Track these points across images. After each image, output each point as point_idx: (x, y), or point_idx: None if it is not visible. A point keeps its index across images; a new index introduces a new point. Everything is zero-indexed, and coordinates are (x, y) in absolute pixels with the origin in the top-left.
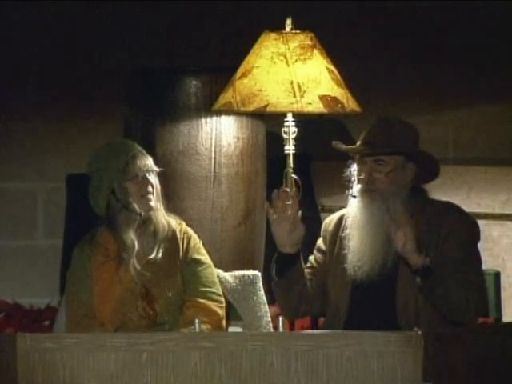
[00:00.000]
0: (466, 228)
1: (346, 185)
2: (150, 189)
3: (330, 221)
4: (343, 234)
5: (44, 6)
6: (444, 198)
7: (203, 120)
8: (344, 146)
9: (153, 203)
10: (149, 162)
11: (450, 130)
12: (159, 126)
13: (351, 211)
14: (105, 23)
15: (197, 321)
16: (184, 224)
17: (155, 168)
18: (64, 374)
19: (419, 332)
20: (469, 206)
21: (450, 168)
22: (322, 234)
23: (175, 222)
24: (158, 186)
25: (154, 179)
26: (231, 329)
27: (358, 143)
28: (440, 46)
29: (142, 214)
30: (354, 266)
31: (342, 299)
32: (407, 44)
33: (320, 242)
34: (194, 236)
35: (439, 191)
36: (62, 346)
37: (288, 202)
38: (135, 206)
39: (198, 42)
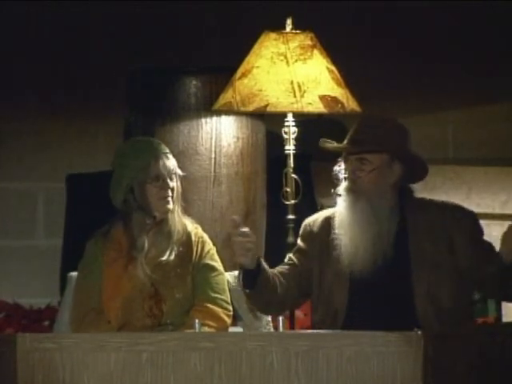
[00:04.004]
0: (472, 222)
1: (334, 183)
2: (169, 192)
3: (312, 222)
4: (333, 235)
5: (44, 5)
6: (444, 198)
7: (203, 120)
8: (330, 145)
9: (170, 206)
10: (172, 164)
11: (449, 130)
12: (159, 126)
13: (338, 210)
14: (105, 23)
15: (197, 321)
16: (200, 228)
17: (178, 171)
18: (64, 374)
19: (419, 332)
20: (469, 206)
21: (450, 168)
22: (301, 233)
23: (191, 226)
24: (179, 189)
25: (174, 182)
26: (231, 329)
27: (345, 141)
28: (440, 46)
29: (157, 217)
30: (346, 265)
31: (339, 300)
32: (407, 44)
33: (300, 243)
34: (209, 241)
35: (439, 191)
36: (61, 346)
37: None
38: (152, 207)
39: (197, 42)
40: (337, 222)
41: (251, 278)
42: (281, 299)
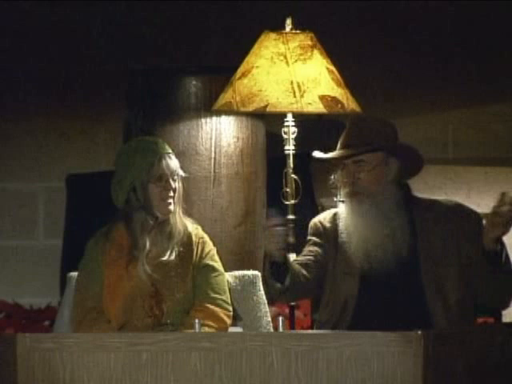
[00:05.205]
0: (475, 223)
1: (333, 192)
2: (171, 193)
3: (323, 218)
4: (342, 236)
5: (44, 5)
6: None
7: (203, 120)
8: (324, 155)
9: (172, 207)
10: (175, 165)
11: (450, 130)
12: (159, 126)
13: (342, 216)
14: (105, 23)
15: (197, 321)
16: (200, 229)
17: (180, 172)
18: (64, 374)
19: (419, 332)
20: (469, 206)
21: (450, 168)
22: (313, 232)
23: (192, 226)
24: (181, 190)
25: (177, 183)
26: (231, 329)
27: (338, 147)
28: (440, 46)
29: (159, 217)
30: (358, 262)
31: (349, 293)
32: (407, 44)
33: (314, 238)
34: (209, 242)
35: (439, 191)
36: (61, 346)
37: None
38: (154, 208)
39: (197, 42)
40: (342, 225)
41: (283, 272)
42: (312, 282)
